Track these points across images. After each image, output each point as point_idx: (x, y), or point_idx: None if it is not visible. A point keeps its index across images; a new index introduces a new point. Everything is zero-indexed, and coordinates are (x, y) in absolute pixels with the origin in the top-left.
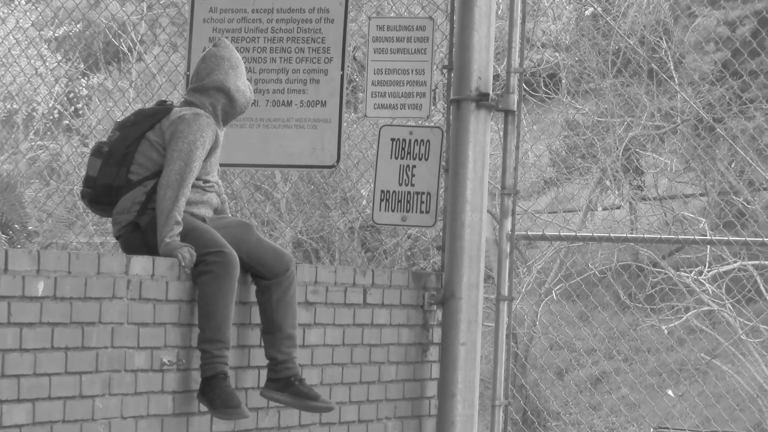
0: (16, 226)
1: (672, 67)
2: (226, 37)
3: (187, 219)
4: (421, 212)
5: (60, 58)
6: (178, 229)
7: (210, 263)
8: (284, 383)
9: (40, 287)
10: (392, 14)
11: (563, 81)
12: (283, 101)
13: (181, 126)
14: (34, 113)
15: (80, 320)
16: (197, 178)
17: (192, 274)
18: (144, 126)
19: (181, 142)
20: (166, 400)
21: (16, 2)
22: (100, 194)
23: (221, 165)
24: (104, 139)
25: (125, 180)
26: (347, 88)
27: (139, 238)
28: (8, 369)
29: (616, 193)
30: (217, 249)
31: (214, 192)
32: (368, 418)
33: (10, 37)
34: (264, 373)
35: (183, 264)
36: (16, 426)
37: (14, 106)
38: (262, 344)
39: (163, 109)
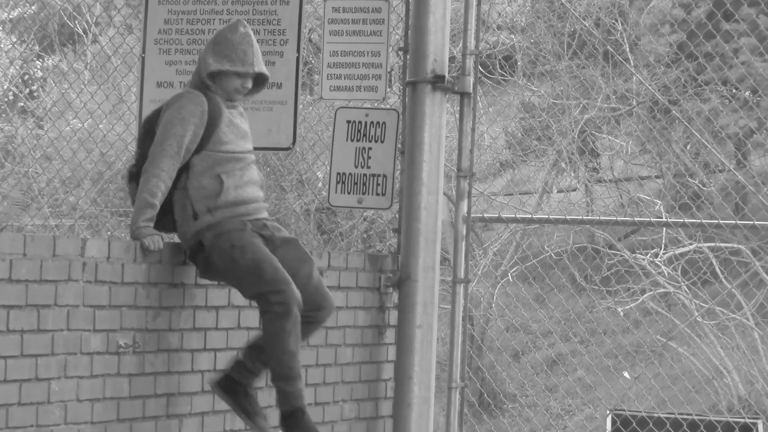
0: None
1: (627, 50)
2: (180, 21)
3: (247, 240)
4: (377, 194)
5: (15, 39)
6: (152, 212)
7: (272, 303)
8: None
9: None
10: None
11: (519, 63)
12: None
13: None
14: None
15: (36, 303)
16: (216, 150)
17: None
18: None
19: (160, 126)
20: (123, 383)
21: None
22: (158, 218)
23: None
24: (132, 162)
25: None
26: (303, 71)
27: (203, 258)
28: None
29: (572, 175)
30: (278, 289)
31: (249, 164)
32: (324, 401)
33: None
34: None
35: (146, 253)
36: None
37: None
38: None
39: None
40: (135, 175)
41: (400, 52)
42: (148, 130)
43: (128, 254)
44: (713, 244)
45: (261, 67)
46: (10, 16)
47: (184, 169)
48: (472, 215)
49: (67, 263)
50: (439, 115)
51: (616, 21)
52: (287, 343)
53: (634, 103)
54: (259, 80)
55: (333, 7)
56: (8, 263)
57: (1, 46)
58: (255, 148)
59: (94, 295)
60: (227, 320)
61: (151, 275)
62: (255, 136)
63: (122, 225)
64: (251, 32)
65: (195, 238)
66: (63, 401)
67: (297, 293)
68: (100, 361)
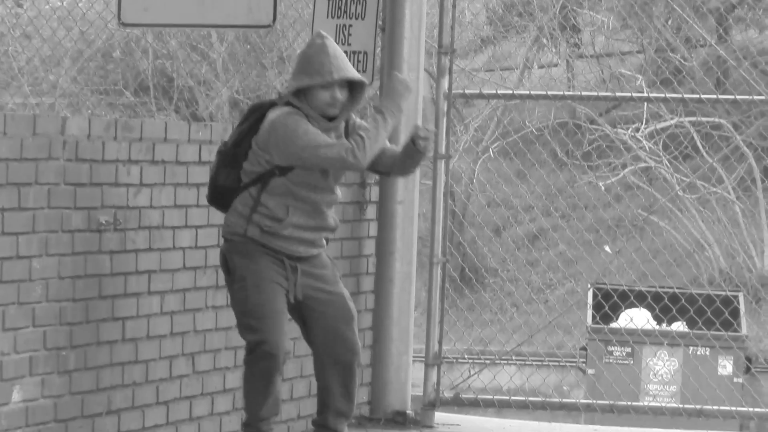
0: None
1: None
2: None
3: (256, 271)
4: (359, 71)
5: None
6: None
7: (247, 349)
8: None
9: None
10: None
11: None
12: None
13: None
14: None
15: (16, 181)
16: (294, 182)
17: None
18: (250, 122)
19: (289, 139)
20: (104, 261)
21: None
22: (214, 194)
23: (155, 25)
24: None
25: (236, 182)
26: None
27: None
28: None
29: (553, 50)
30: (255, 339)
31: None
32: None
33: None
34: None
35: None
36: None
37: None
38: None
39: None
40: (220, 154)
41: None
42: (247, 117)
43: (108, 132)
44: (694, 118)
45: (346, 72)
46: None
47: (263, 182)
48: (453, 92)
49: (47, 141)
50: None
51: None
52: (250, 391)
53: None
54: (356, 87)
55: None
56: None
57: None
58: (235, 26)
59: (74, 173)
60: None
61: (132, 153)
62: (235, 14)
63: (102, 103)
64: (329, 42)
65: (235, 236)
66: (44, 278)
67: (276, 354)
68: (81, 239)
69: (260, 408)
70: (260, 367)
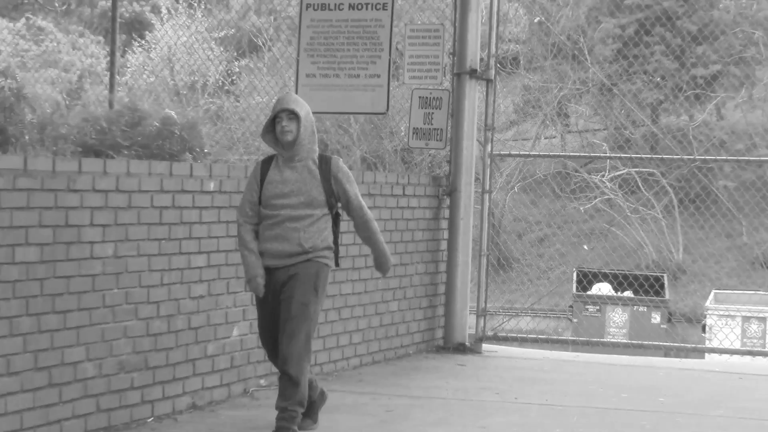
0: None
1: (587, 52)
2: (320, 38)
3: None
4: (437, 140)
5: (222, 49)
6: None
7: None
8: None
9: (211, 185)
10: (419, 22)
11: (521, 61)
12: (354, 74)
13: None
14: (207, 82)
15: (234, 204)
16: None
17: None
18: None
19: (350, 181)
20: None
21: (196, 15)
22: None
23: (316, 112)
24: None
25: None
26: (393, 66)
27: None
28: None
29: (553, 128)
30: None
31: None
32: (405, 262)
33: (193, 37)
34: None
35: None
36: None
37: (195, 78)
38: None
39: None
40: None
41: (451, 55)
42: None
43: None
44: (637, 168)
45: (286, 105)
46: (219, 35)
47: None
48: (493, 152)
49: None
50: (473, 92)
51: (580, 35)
52: None
53: (590, 85)
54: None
55: (411, 29)
56: (219, 182)
57: (214, 52)
58: (364, 113)
59: None
60: None
61: None
62: (364, 106)
63: None
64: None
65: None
66: None
67: (272, 358)
68: None
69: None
70: None
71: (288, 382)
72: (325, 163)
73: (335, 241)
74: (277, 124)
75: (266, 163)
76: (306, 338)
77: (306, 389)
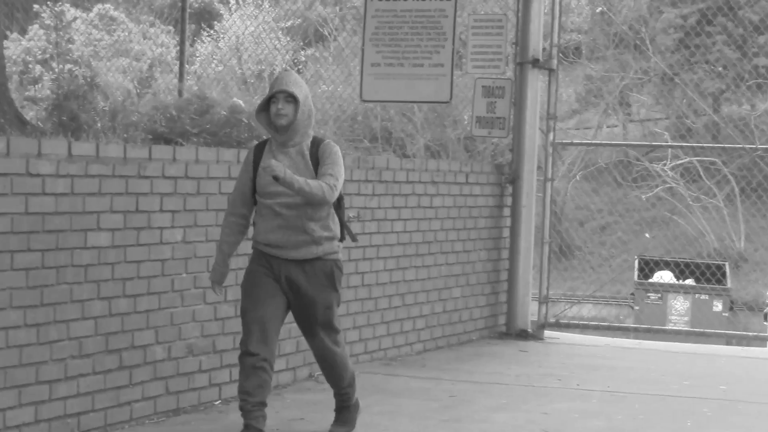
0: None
1: (648, 42)
2: (385, 28)
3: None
4: (500, 129)
5: (288, 38)
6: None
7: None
8: None
9: None
10: (482, 12)
11: (583, 51)
12: (419, 64)
13: None
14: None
15: None
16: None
17: None
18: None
19: (337, 162)
20: None
21: (263, 5)
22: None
23: (383, 101)
24: None
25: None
26: (456, 56)
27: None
28: None
29: (615, 117)
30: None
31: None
32: (470, 249)
33: (260, 27)
34: None
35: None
36: None
37: (262, 67)
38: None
39: None
40: None
41: (513, 45)
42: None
43: (354, 163)
44: (699, 157)
45: (283, 86)
46: (286, 25)
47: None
48: (555, 141)
49: None
50: (535, 81)
51: (642, 24)
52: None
53: (652, 75)
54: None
55: (474, 19)
56: None
57: (281, 41)
58: (428, 101)
59: None
60: None
61: (368, 175)
62: (428, 94)
63: (350, 147)
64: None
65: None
66: None
67: (252, 340)
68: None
69: (247, 396)
70: (243, 361)
71: (336, 377)
72: (315, 146)
73: (341, 221)
74: (272, 105)
75: (259, 148)
76: (337, 337)
77: (352, 370)
